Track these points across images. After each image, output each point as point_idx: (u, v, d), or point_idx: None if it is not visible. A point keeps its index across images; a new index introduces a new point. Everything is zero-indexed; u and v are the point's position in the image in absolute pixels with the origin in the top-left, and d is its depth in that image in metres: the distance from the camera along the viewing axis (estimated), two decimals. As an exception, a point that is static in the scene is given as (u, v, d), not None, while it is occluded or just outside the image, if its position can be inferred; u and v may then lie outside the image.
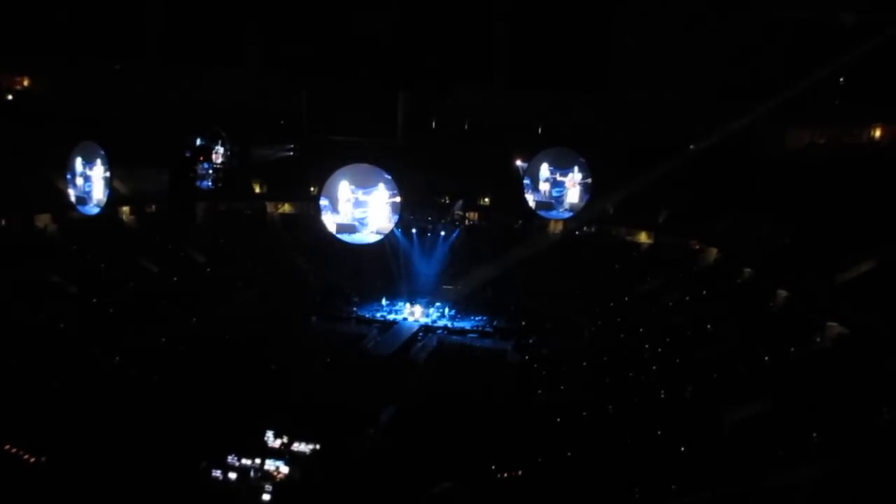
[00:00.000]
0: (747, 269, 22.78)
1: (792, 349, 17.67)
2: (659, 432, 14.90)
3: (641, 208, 26.71)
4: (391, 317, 26.30)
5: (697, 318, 21.13)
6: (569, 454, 14.35)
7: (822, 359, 16.94)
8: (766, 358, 17.66)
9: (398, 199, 24.11)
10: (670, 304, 23.11)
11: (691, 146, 23.88)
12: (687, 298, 23.03)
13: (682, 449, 14.19)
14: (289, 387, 17.45)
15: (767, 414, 14.88)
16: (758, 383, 16.39)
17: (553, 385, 18.59)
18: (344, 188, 24.21)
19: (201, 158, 24.62)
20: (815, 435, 13.32)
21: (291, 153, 29.59)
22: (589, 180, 24.42)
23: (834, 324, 17.64)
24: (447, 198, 29.84)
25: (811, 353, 17.53)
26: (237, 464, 14.02)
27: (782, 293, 20.57)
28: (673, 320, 21.66)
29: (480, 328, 25.38)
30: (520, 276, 26.55)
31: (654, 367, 18.77)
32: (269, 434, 14.85)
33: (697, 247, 26.10)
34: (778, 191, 22.69)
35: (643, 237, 28.33)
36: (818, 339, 17.86)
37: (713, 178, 24.02)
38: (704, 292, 22.98)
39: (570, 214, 25.49)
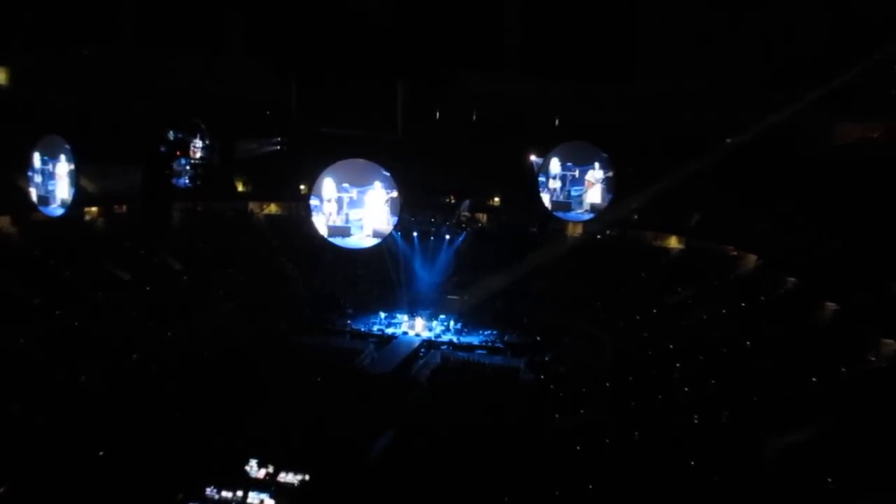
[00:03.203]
0: (791, 279, 22.72)
1: (842, 369, 17.58)
2: (691, 462, 14.85)
3: (671, 210, 26.73)
4: (389, 331, 26.42)
5: (734, 334, 21.09)
6: (590, 487, 14.33)
7: (876, 379, 16.81)
8: (813, 379, 17.57)
9: (397, 198, 24.19)
10: (704, 317, 23.07)
11: (727, 141, 23.83)
12: (723, 311, 22.97)
13: (718, 481, 14.13)
14: (275, 409, 17.47)
15: (814, 442, 14.81)
16: (803, 407, 16.31)
17: (572, 408, 18.65)
18: (337, 186, 24.35)
19: (178, 153, 24.57)
20: (868, 466, 13.25)
21: (278, 147, 29.52)
22: (611, 177, 24.40)
23: (889, 341, 17.54)
24: (452, 197, 30.03)
25: (863, 372, 17.41)
26: (217, 497, 13.99)
27: (830, 306, 20.46)
28: (707, 335, 21.65)
29: (489, 343, 25.49)
30: (534, 286, 26.68)
31: (685, 389, 18.74)
32: (253, 463, 14.84)
33: (734, 253, 26.04)
34: (825, 191, 22.58)
35: (673, 242, 28.35)
36: (871, 358, 17.74)
37: (752, 176, 23.88)
38: (742, 304, 22.96)
39: (591, 216, 24.60)
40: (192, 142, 25.89)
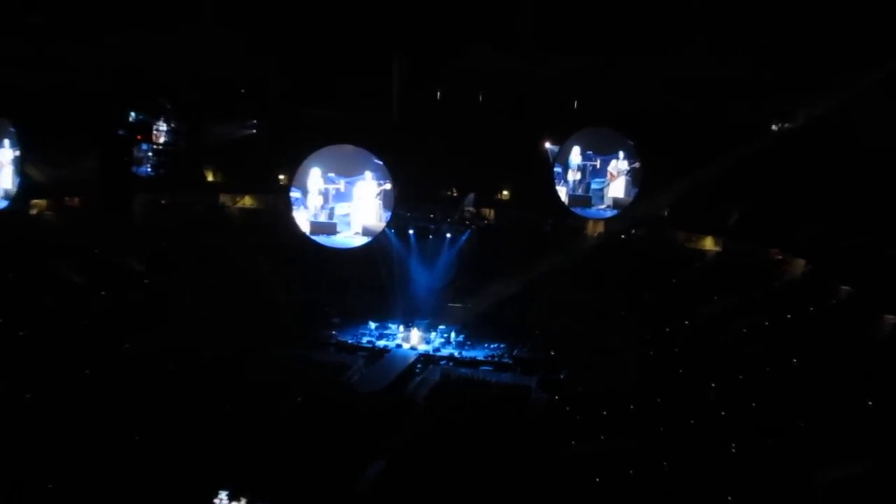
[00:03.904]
0: (844, 287, 22.62)
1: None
2: (728, 498, 14.76)
3: (706, 206, 26.72)
4: (382, 343, 26.40)
5: (779, 350, 21.02)
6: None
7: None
8: (870, 403, 17.46)
9: (391, 190, 24.13)
10: (744, 330, 22.99)
11: (773, 127, 23.76)
12: (765, 324, 22.92)
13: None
14: (249, 433, 17.39)
15: (870, 476, 14.68)
16: (858, 436, 16.21)
17: (591, 434, 18.52)
18: (322, 177, 24.29)
19: (139, 138, 24.69)
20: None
21: (255, 131, 29.63)
22: (638, 168, 24.31)
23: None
24: (455, 190, 29.95)
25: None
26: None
27: (890, 318, 20.37)
28: (747, 351, 21.57)
29: (496, 359, 25.47)
30: (548, 292, 26.63)
31: (722, 413, 18.64)
32: (223, 496, 14.75)
33: (780, 257, 26.00)
34: (884, 187, 22.53)
35: (708, 244, 28.36)
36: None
37: (801, 169, 23.91)
38: (788, 316, 22.91)
39: (614, 213, 25.34)
40: (155, 124, 26.06)
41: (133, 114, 24.69)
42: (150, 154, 25.04)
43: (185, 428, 17.14)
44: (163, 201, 29.91)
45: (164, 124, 25.49)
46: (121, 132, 24.44)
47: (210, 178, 31.06)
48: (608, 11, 23.67)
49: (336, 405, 20.14)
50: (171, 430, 16.95)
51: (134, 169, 24.85)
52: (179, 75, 26.48)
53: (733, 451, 16.83)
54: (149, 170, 25.06)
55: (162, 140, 25.38)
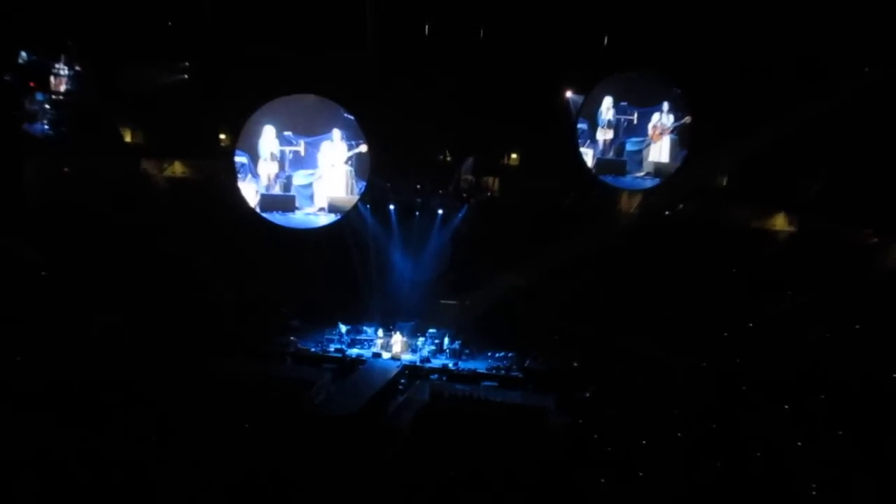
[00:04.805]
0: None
1: None
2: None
3: (777, 174, 26.61)
4: (354, 352, 26.67)
5: (875, 361, 20.98)
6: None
7: None
8: None
9: (366, 153, 24.76)
10: (826, 335, 22.94)
11: (866, 70, 23.59)
12: (856, 326, 22.86)
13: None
14: (180, 471, 17.23)
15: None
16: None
17: (625, 469, 18.37)
18: (276, 136, 24.75)
19: (31, 85, 24.44)
20: None
21: (186, 77, 29.26)
22: (688, 124, 24.66)
23: None
24: (448, 153, 29.90)
25: None
26: None
27: None
28: (832, 363, 21.51)
29: (503, 372, 25.65)
30: (569, 286, 26.66)
31: (798, 444, 18.60)
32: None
33: (874, 240, 25.92)
34: None
35: (780, 223, 28.26)
36: None
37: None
38: (887, 318, 22.65)
39: (655, 182, 25.92)
40: (53, 68, 25.74)
41: (24, 54, 24.35)
42: (47, 106, 24.80)
43: (97, 460, 17.01)
44: (65, 169, 29.46)
45: (66, 68, 25.21)
46: (7, 78, 24.15)
47: (128, 138, 30.64)
48: None
49: (295, 433, 19.98)
50: (80, 462, 16.90)
51: (25, 126, 24.56)
52: (86, 5, 26.13)
53: (813, 493, 16.87)
54: (45, 127, 24.87)
55: (63, 88, 25.11)
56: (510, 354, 26.55)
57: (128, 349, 23.55)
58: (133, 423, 19.21)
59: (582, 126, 25.49)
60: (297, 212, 25.49)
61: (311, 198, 25.63)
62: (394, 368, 25.40)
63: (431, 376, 25.41)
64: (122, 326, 24.92)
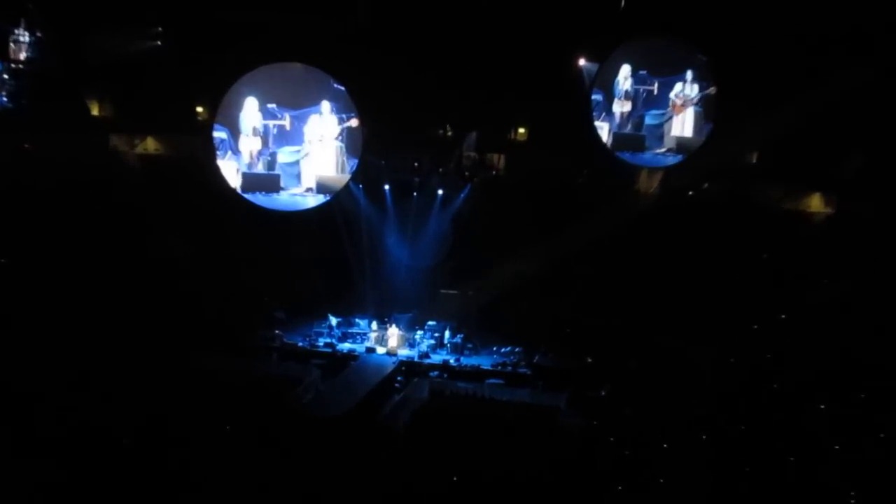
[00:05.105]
0: None
1: None
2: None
3: (812, 151, 26.36)
4: (345, 347, 26.75)
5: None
6: None
7: None
8: None
9: (358, 128, 24.77)
10: (866, 327, 22.69)
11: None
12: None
13: None
14: (156, 480, 17.15)
15: None
16: None
17: (645, 476, 18.36)
18: (258, 109, 24.75)
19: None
20: None
21: (159, 44, 29.09)
22: (713, 95, 24.70)
23: None
24: (449, 128, 29.79)
25: None
26: None
27: None
28: (874, 360, 21.40)
29: (510, 368, 25.67)
30: (582, 274, 26.80)
31: (836, 447, 18.48)
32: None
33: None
34: None
35: (814, 204, 28.15)
36: None
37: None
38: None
39: (678, 159, 25.93)
40: (12, 34, 25.60)
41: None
42: (5, 77, 24.69)
43: (59, 472, 16.87)
44: (25, 146, 29.19)
45: (27, 34, 25.08)
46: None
47: (95, 112, 30.46)
48: None
49: (281, 436, 19.97)
50: (41, 477, 16.63)
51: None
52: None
53: (853, 502, 16.80)
54: (4, 99, 24.77)
55: (23, 57, 24.99)
56: (517, 349, 26.45)
57: (94, 344, 23.33)
58: (103, 425, 19.15)
59: (597, 97, 25.44)
60: (282, 192, 25.49)
61: (297, 177, 25.60)
62: (389, 365, 25.37)
63: (431, 373, 25.40)
64: (88, 319, 24.67)
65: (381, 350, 26.41)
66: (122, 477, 17.16)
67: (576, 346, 25.77)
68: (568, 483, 18.42)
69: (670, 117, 25.50)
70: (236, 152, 25.09)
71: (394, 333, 26.63)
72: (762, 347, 23.19)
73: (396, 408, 23.05)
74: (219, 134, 24.87)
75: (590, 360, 24.99)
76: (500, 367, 25.72)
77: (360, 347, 26.68)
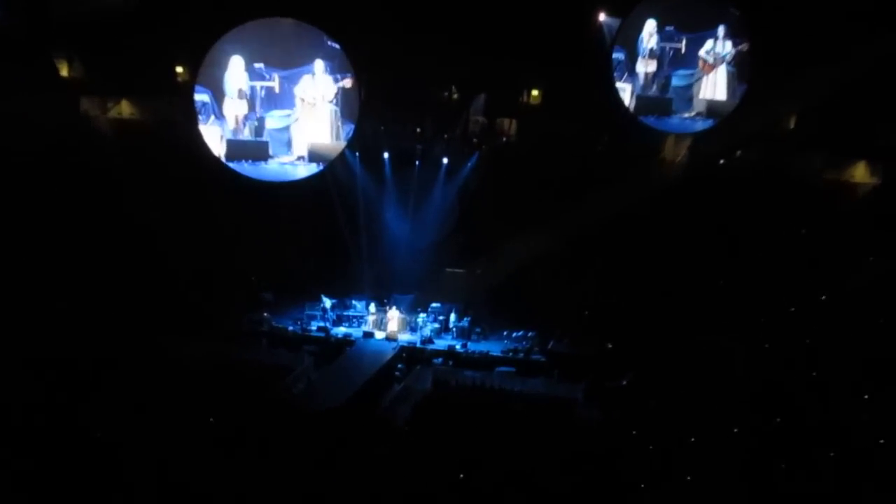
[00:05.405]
0: None
1: None
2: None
3: (856, 116, 26.22)
4: (340, 331, 26.79)
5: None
6: None
7: None
8: None
9: (354, 89, 24.63)
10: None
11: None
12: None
13: None
14: (132, 477, 17.19)
15: None
16: None
17: (670, 474, 18.33)
18: (245, 69, 24.65)
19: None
20: None
21: (134, -2, 29.08)
22: (746, 53, 24.52)
23: None
24: (455, 90, 29.71)
25: None
26: None
27: None
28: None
29: (522, 355, 25.68)
30: (601, 251, 26.75)
31: (880, 441, 18.46)
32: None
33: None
34: None
35: (858, 174, 27.97)
36: None
37: None
38: None
39: (709, 124, 25.76)
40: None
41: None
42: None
43: (31, 466, 16.89)
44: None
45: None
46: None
47: (64, 72, 30.48)
48: None
49: (269, 430, 19.93)
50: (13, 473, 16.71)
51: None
52: None
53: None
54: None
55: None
56: (530, 334, 26.51)
57: (64, 328, 23.37)
58: (76, 416, 19.24)
59: (618, 56, 25.23)
60: (270, 161, 25.43)
61: (287, 144, 25.51)
62: (389, 352, 25.37)
63: (434, 361, 25.39)
64: (58, 299, 24.78)
65: (379, 335, 26.44)
66: (93, 473, 17.19)
67: (595, 330, 25.85)
68: (585, 483, 18.36)
69: (700, 78, 25.31)
70: (220, 117, 24.96)
71: (394, 316, 26.61)
72: (800, 334, 23.17)
73: (396, 400, 23.03)
74: (200, 97, 24.73)
75: (610, 346, 25.03)
76: (511, 354, 25.73)
77: (356, 332, 26.71)
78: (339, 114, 25.20)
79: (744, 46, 24.71)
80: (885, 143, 27.12)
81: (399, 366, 25.11)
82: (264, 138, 25.40)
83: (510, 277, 27.47)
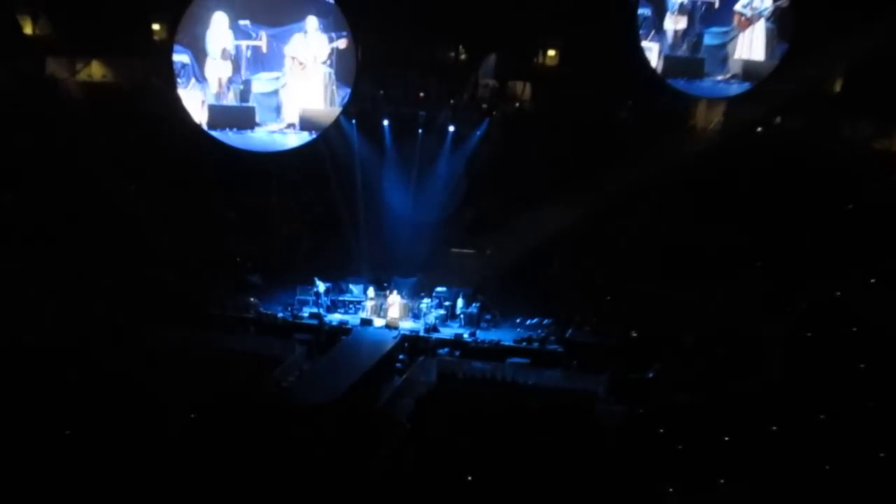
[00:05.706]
0: None
1: None
2: None
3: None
4: (335, 318, 26.80)
5: None
6: None
7: None
8: None
9: (350, 48, 24.41)
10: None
11: None
12: None
13: None
14: (110, 477, 17.08)
15: None
16: None
17: (700, 476, 18.19)
18: (229, 27, 24.53)
19: None
20: None
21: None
22: (787, 9, 24.37)
23: None
24: (462, 50, 29.67)
25: None
26: None
27: None
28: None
29: (536, 344, 25.61)
30: (625, 229, 26.94)
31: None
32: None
33: None
34: None
35: (914, 143, 27.83)
36: None
37: None
38: None
39: (745, 88, 25.47)
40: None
41: None
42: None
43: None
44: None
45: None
46: None
47: (28, 30, 30.45)
48: None
49: (258, 424, 19.89)
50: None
51: None
52: None
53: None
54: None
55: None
56: (546, 321, 26.36)
57: (34, 314, 23.47)
58: (48, 409, 19.21)
59: (644, 12, 24.93)
60: (257, 129, 25.19)
61: (276, 110, 25.34)
62: (389, 341, 25.25)
63: (440, 351, 25.26)
64: (26, 284, 24.79)
65: (378, 322, 26.38)
66: (68, 468, 17.23)
67: (617, 317, 25.78)
68: (607, 485, 18.29)
69: (735, 36, 25.02)
70: (201, 80, 24.79)
71: (395, 302, 26.58)
72: (845, 320, 23.00)
73: (398, 394, 23.01)
74: (180, 57, 24.50)
75: (634, 334, 24.91)
76: (524, 343, 25.54)
77: (353, 319, 26.65)
78: (333, 76, 24.96)
79: (782, 2, 24.47)
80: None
81: (400, 356, 25.00)
82: (250, 103, 25.21)
83: (523, 258, 27.49)
